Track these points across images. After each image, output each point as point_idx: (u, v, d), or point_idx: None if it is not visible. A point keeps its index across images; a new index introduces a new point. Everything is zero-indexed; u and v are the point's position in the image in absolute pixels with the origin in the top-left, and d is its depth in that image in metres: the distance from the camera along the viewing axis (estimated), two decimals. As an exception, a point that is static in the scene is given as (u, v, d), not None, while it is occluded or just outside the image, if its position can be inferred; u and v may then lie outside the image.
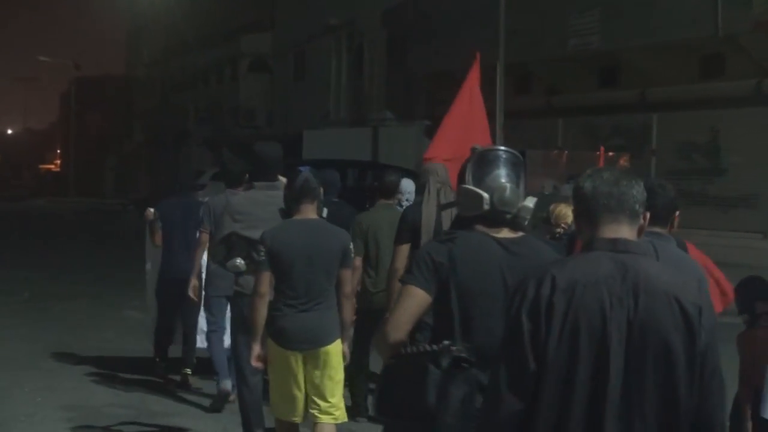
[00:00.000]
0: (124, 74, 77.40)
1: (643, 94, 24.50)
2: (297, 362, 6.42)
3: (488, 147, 4.40)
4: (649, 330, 3.06)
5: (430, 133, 32.06)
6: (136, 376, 10.67)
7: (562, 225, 8.07)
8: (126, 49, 77.11)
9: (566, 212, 8.04)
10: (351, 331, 6.81)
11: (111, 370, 10.97)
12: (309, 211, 6.45)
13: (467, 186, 4.16)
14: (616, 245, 3.19)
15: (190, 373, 10.18)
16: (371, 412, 8.38)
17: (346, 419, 6.74)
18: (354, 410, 8.66)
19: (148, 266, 10.77)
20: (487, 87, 26.91)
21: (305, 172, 6.51)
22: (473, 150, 4.23)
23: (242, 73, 48.97)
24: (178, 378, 10.23)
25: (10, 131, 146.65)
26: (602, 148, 10.07)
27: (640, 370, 3.06)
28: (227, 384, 9.11)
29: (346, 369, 6.83)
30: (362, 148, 30.27)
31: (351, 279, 6.66)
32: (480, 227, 4.11)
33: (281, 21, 43.64)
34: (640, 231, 3.27)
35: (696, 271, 4.61)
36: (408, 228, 7.56)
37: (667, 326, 3.06)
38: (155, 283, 10.47)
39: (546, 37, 26.24)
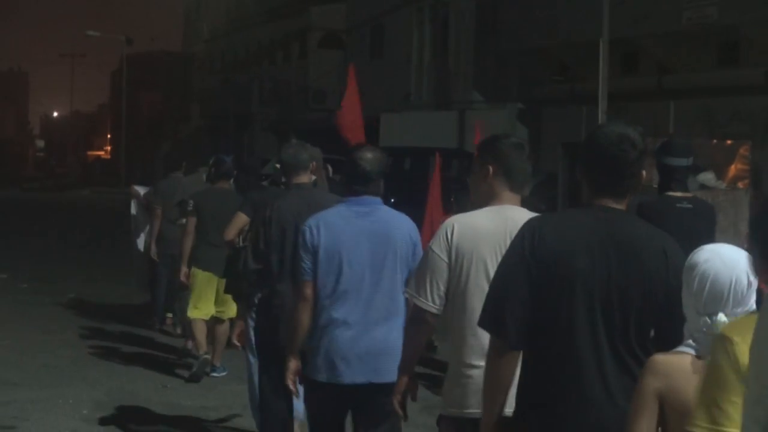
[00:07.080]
0: (181, 50, 78.07)
1: (768, 73, 24.15)
2: (212, 280, 11.14)
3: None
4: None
5: (524, 117, 31.99)
6: (188, 392, 10.80)
7: None
8: (183, 22, 77.81)
9: None
10: None
11: (160, 376, 11.12)
12: (224, 184, 11.50)
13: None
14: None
15: (170, 316, 13.95)
16: None
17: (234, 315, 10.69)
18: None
19: (140, 240, 14.40)
20: (589, 66, 26.64)
21: (229, 161, 11.77)
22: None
23: (312, 49, 49.12)
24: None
25: (56, 114, 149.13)
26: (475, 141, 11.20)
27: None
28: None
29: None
30: (447, 134, 30.19)
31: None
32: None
33: (356, -10, 43.66)
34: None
35: None
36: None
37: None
38: (147, 257, 14.08)
39: (657, 9, 25.93)
